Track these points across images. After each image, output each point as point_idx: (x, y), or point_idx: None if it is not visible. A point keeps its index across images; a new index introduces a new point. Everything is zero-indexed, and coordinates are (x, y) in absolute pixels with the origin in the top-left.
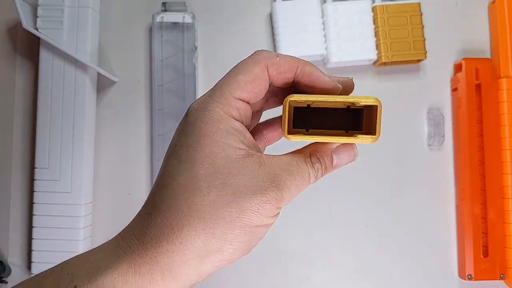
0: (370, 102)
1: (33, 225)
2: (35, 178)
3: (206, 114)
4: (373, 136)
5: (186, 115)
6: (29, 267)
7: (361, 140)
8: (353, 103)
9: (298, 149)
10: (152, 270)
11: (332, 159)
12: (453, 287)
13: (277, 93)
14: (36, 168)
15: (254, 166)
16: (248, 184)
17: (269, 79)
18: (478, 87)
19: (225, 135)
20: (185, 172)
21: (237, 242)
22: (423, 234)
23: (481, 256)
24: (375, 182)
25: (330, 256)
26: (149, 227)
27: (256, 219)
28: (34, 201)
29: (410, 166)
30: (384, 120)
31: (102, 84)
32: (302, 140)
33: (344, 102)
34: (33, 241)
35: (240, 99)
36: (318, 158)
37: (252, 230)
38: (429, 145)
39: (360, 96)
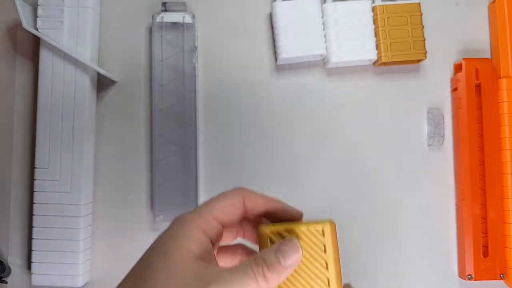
0: (324, 227)
1: (33, 225)
2: (35, 178)
3: (183, 223)
4: (329, 220)
5: (173, 221)
6: (29, 267)
7: (320, 223)
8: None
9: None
10: None
11: (278, 257)
12: (453, 287)
13: (252, 222)
14: (36, 168)
15: (196, 267)
16: (193, 282)
17: (244, 208)
18: (478, 87)
19: (190, 243)
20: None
21: None
22: (423, 234)
23: (481, 256)
24: (375, 182)
25: None
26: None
27: None
28: (34, 201)
29: (410, 166)
30: (384, 120)
31: (102, 84)
32: None
33: (308, 229)
34: (33, 241)
35: (215, 218)
36: (261, 259)
37: None
38: (429, 145)
39: (314, 222)
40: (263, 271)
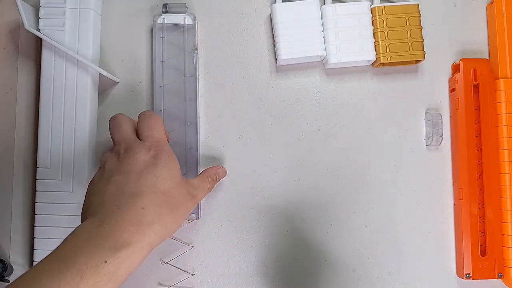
0: None
1: (35, 224)
2: (37, 177)
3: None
4: None
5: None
6: (31, 266)
7: None
8: None
9: (200, 175)
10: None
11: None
12: (451, 286)
13: None
14: (38, 168)
15: (187, 185)
16: (184, 197)
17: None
18: (476, 87)
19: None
20: (151, 188)
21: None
22: (421, 233)
23: (479, 255)
24: (373, 182)
25: (329, 256)
26: (119, 214)
27: (187, 213)
28: (36, 200)
29: (408, 166)
30: (382, 120)
31: (104, 85)
32: None
33: None
34: (35, 240)
35: None
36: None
37: (185, 217)
38: (427, 145)
39: None
40: (214, 181)
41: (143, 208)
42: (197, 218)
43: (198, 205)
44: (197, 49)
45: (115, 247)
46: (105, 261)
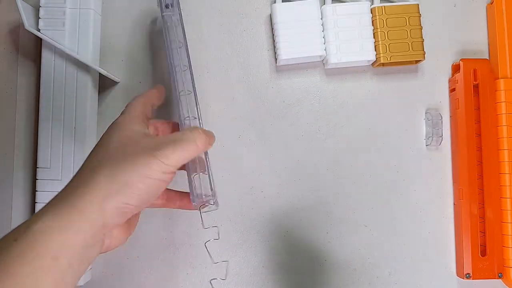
0: None
1: None
2: (37, 178)
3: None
4: None
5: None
6: None
7: None
8: None
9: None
10: (64, 206)
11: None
12: (452, 286)
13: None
14: (38, 168)
15: (147, 140)
16: (140, 150)
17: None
18: (476, 87)
19: (131, 124)
20: (102, 148)
21: (135, 187)
22: (421, 233)
23: (479, 255)
24: (373, 182)
25: (329, 256)
26: (72, 181)
27: (147, 170)
28: (36, 200)
29: (408, 166)
30: (382, 120)
31: (104, 85)
32: None
33: None
34: None
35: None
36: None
37: (147, 181)
38: (427, 145)
39: None
40: (201, 132)
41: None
42: (216, 208)
43: (214, 192)
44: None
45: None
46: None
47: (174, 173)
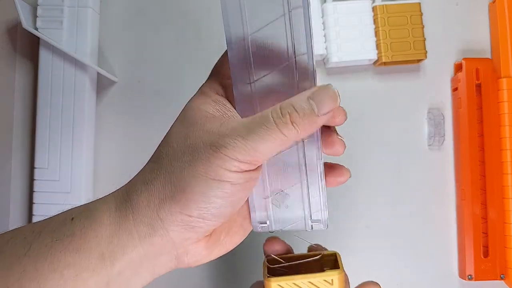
0: (330, 252)
1: None
2: (34, 178)
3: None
4: (338, 270)
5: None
6: None
7: (328, 274)
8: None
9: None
10: (122, 209)
11: (311, 104)
12: (453, 287)
13: None
14: (35, 168)
15: (215, 124)
16: (205, 139)
17: None
18: (479, 87)
19: (204, 105)
20: (164, 140)
21: (192, 192)
22: (423, 234)
23: (482, 256)
24: (375, 182)
25: None
26: (133, 179)
27: (208, 169)
28: (34, 201)
29: (410, 166)
30: (384, 120)
31: (102, 84)
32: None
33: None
34: None
35: (220, 85)
36: (289, 105)
37: (210, 183)
38: (429, 145)
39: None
40: (290, 118)
41: None
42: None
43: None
44: None
45: None
46: None
47: (258, 171)
